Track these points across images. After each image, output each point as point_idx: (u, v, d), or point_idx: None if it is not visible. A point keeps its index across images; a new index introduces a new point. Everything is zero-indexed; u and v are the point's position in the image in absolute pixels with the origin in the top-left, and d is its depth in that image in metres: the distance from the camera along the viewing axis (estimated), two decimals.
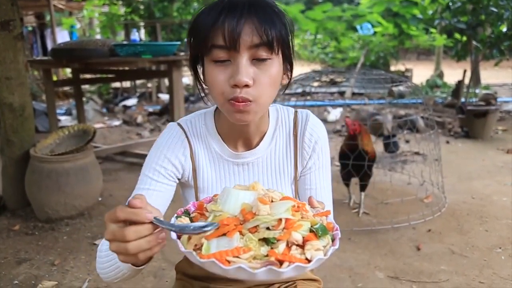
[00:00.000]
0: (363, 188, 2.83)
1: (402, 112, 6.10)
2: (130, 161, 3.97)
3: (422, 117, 4.99)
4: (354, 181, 2.95)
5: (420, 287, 1.99)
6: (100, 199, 2.96)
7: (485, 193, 3.17)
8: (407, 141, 4.61)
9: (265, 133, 0.91)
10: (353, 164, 2.68)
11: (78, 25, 11.46)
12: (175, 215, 0.68)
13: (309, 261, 0.58)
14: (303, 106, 4.43)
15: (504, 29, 5.44)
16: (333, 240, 0.63)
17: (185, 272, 1.02)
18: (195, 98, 7.10)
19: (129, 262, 0.63)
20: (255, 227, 0.62)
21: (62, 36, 8.07)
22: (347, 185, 2.95)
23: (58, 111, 5.59)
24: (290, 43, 0.80)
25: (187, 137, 0.89)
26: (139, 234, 0.57)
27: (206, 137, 0.90)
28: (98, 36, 10.98)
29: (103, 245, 0.80)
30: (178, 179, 0.91)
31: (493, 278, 2.04)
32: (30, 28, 8.36)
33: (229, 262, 0.56)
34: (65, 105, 7.08)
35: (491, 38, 5.55)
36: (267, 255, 0.58)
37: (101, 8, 9.65)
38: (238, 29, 0.71)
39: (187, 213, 0.70)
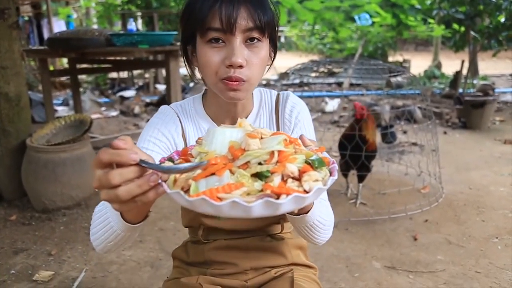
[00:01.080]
0: (361, 179, 2.83)
1: (400, 102, 6.10)
2: None
3: (420, 108, 5.00)
4: (353, 171, 2.96)
5: (417, 277, 2.00)
6: (97, 189, 2.95)
7: (482, 184, 3.18)
8: (405, 132, 4.61)
9: (250, 113, 0.96)
10: (351, 154, 2.67)
11: (74, 15, 11.36)
12: (158, 162, 0.63)
13: (307, 192, 0.54)
14: (301, 97, 4.42)
15: (503, 19, 5.43)
16: (330, 173, 0.59)
17: (181, 258, 1.04)
18: (186, 88, 7.10)
19: (125, 210, 0.59)
20: (246, 163, 0.57)
21: (59, 26, 7.97)
22: (345, 175, 2.95)
23: (54, 101, 5.58)
24: (276, 27, 0.87)
25: (178, 117, 0.94)
26: (125, 177, 0.52)
27: (196, 117, 0.95)
28: (95, 26, 10.89)
29: (98, 206, 0.79)
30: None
31: (489, 268, 2.06)
32: (26, 18, 8.26)
33: (220, 199, 0.51)
34: (62, 95, 7.04)
35: (489, 28, 5.54)
36: (261, 190, 0.53)
37: None
38: (234, 14, 0.76)
39: (171, 160, 0.65)
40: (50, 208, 2.63)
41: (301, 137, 0.69)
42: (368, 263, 2.13)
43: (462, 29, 6.05)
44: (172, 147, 0.91)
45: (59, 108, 5.80)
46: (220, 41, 0.79)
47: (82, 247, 2.27)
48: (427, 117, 3.13)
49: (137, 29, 7.47)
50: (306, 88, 6.64)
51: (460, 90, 6.14)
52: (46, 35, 7.46)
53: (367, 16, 9.89)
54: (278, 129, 0.97)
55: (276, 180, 0.54)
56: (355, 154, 2.66)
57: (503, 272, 2.02)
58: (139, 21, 8.65)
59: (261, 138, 0.61)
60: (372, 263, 2.12)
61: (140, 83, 8.54)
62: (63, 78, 7.33)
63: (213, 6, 0.77)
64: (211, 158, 0.57)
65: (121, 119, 5.68)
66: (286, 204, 0.51)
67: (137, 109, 5.95)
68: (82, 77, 7.87)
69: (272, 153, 0.57)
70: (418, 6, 8.38)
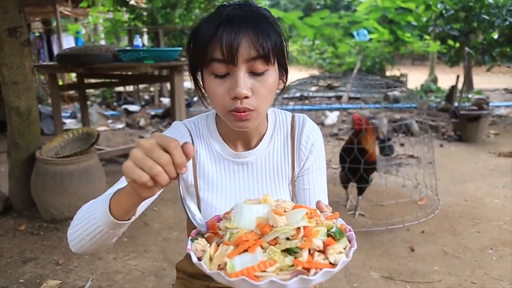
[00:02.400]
0: (360, 192, 2.87)
1: (397, 116, 6.19)
2: None
3: (417, 121, 5.08)
4: (353, 183, 3.02)
5: (414, 287, 2.03)
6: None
7: (477, 196, 3.23)
8: (402, 145, 4.68)
9: (264, 135, 0.94)
10: (351, 168, 2.72)
11: (83, 31, 11.55)
12: (190, 237, 0.69)
13: (333, 264, 0.60)
14: (301, 110, 4.50)
15: (496, 36, 5.54)
16: (349, 241, 0.66)
17: (185, 271, 1.05)
18: (190, 102, 7.21)
19: (133, 177, 0.60)
20: (275, 239, 0.62)
21: (68, 42, 8.19)
22: (346, 187, 3.01)
23: (63, 114, 5.66)
24: (285, 51, 0.83)
25: (191, 135, 0.93)
26: (168, 169, 0.59)
27: (208, 137, 0.94)
28: (102, 42, 11.03)
29: (85, 205, 0.80)
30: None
31: (484, 279, 2.09)
32: (37, 34, 8.46)
33: (257, 277, 0.56)
34: (70, 108, 7.16)
35: (483, 44, 5.66)
36: (292, 265, 0.59)
37: (105, 14, 9.73)
38: (235, 44, 0.74)
39: (201, 234, 0.70)
40: (58, 218, 2.68)
41: (318, 203, 0.75)
42: (366, 273, 2.16)
43: (457, 45, 6.17)
44: None
45: (67, 121, 5.92)
46: (225, 75, 0.78)
47: (88, 256, 2.31)
48: (423, 130, 3.21)
49: (143, 45, 7.62)
50: (306, 101, 6.74)
51: (456, 104, 6.23)
52: (55, 50, 7.66)
53: (365, 32, 10.07)
54: (293, 154, 0.96)
55: (305, 255, 0.60)
56: (354, 167, 2.71)
57: (498, 282, 2.05)
58: (145, 37, 8.79)
59: (284, 211, 0.67)
60: (370, 273, 2.15)
61: (146, 97, 8.66)
62: (71, 92, 7.47)
63: (214, 36, 0.75)
64: (241, 235, 0.62)
65: (127, 131, 5.77)
66: (317, 279, 0.57)
67: (142, 122, 6.04)
68: (89, 90, 8.00)
69: (299, 229, 0.63)
70: (414, 23, 8.55)
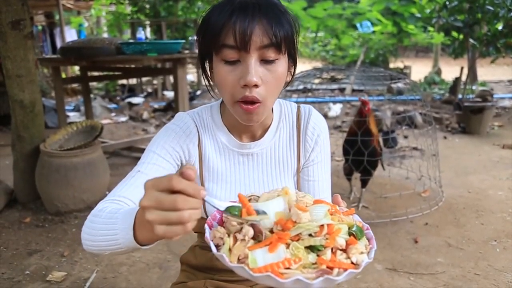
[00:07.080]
0: (364, 184, 2.87)
1: (400, 108, 6.16)
2: (136, 156, 4.02)
3: (420, 113, 5.06)
4: (356, 175, 3.01)
5: (417, 278, 2.04)
6: (107, 192, 3.00)
7: (481, 188, 3.23)
8: (406, 137, 4.65)
9: (269, 126, 0.93)
10: (354, 156, 2.71)
11: (86, 24, 11.59)
12: (207, 227, 0.66)
13: (355, 264, 0.59)
14: (305, 103, 4.48)
15: (500, 27, 5.51)
16: (368, 240, 0.66)
17: (189, 263, 1.05)
18: (193, 95, 7.21)
19: (172, 235, 0.54)
20: (297, 234, 0.61)
21: (71, 35, 8.22)
22: (349, 179, 3.01)
23: (66, 107, 5.71)
24: (295, 41, 0.83)
25: (196, 126, 0.92)
26: (190, 205, 0.53)
27: (213, 128, 0.92)
28: (105, 35, 11.08)
29: (102, 211, 0.74)
30: (182, 163, 0.92)
31: (488, 270, 2.09)
32: (40, 27, 8.46)
33: (281, 274, 0.55)
34: (73, 101, 7.17)
35: (487, 36, 5.62)
36: (314, 263, 0.58)
37: (108, 7, 9.75)
38: (249, 31, 0.73)
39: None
40: (62, 211, 2.70)
41: (334, 197, 0.76)
42: (370, 265, 2.13)
43: (461, 36, 6.15)
44: (184, 157, 0.90)
45: (71, 114, 5.94)
46: (236, 62, 0.77)
47: None
48: (427, 123, 3.20)
49: (146, 37, 7.63)
50: (309, 94, 6.72)
51: (460, 96, 6.20)
52: (59, 43, 7.67)
53: (369, 23, 10.03)
54: (298, 145, 0.96)
55: (328, 254, 0.60)
56: (358, 157, 2.70)
57: (502, 274, 2.06)
58: (148, 29, 8.80)
59: (306, 206, 0.66)
60: (374, 265, 2.16)
61: (149, 90, 8.66)
62: (75, 85, 7.49)
63: (227, 22, 0.75)
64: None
65: (130, 124, 5.78)
66: (341, 280, 0.57)
67: (145, 115, 6.07)
68: (93, 83, 8.03)
69: (322, 226, 0.62)
70: (418, 15, 8.51)
